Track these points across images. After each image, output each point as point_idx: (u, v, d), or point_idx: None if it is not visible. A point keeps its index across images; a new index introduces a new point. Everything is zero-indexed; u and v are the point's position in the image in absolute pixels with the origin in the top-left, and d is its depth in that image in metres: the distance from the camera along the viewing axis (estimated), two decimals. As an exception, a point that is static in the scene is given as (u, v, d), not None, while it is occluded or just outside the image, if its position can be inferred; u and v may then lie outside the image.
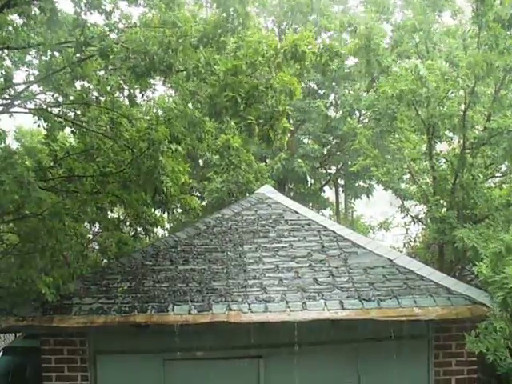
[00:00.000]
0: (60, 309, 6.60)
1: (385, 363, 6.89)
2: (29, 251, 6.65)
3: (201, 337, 6.60)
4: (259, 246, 7.90)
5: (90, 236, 10.41)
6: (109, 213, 8.28)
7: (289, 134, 7.99)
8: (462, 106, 8.88)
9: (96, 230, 10.32)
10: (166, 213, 8.52)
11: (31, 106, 7.17)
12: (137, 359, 6.78)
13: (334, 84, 15.42)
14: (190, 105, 7.56)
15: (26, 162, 6.41)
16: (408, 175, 10.32)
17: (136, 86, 7.36)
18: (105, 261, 10.09)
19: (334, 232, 8.21)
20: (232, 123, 7.42)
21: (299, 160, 14.16)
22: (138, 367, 6.81)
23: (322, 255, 7.65)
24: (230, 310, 6.48)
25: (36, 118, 7.03)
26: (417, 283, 7.07)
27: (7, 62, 7.07)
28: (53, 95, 7.13)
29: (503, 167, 10.04)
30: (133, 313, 6.54)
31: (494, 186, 10.02)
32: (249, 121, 6.70)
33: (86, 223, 8.38)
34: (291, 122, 10.09)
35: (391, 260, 7.52)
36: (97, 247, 10.71)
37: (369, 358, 6.89)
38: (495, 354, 5.83)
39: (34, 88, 7.31)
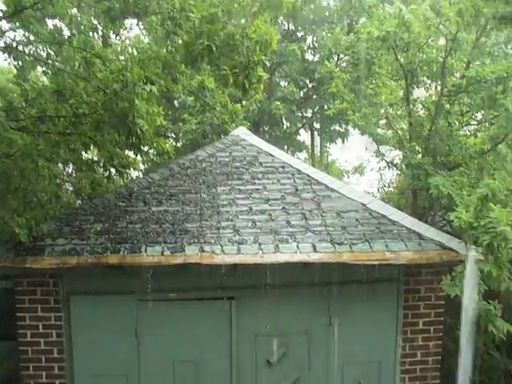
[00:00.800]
0: (33, 250, 6.55)
1: (355, 305, 7.01)
2: (1, 192, 6.54)
3: (173, 278, 6.62)
4: (233, 188, 7.88)
5: (64, 177, 10.29)
6: (82, 154, 8.16)
7: (266, 77, 7.86)
8: (443, 53, 8.82)
9: (69, 171, 10.21)
10: (139, 155, 8.42)
11: (0, 43, 6.97)
12: (110, 300, 6.80)
13: (313, 27, 15.22)
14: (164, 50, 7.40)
15: (-3, 101, 6.27)
16: (384, 120, 10.31)
17: (110, 27, 7.16)
18: (78, 202, 10.01)
19: (307, 175, 8.20)
20: (207, 67, 7.31)
21: (277, 103, 14.06)
22: (111, 308, 6.83)
23: (295, 198, 7.65)
24: (203, 251, 6.47)
25: (6, 55, 6.84)
26: (389, 228, 7.12)
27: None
28: (24, 33, 6.93)
29: (479, 115, 10.09)
30: (105, 254, 6.51)
31: (469, 134, 10.09)
32: (223, 71, 6.61)
33: (59, 164, 8.27)
34: (268, 64, 9.97)
35: (364, 204, 7.55)
36: (70, 188, 10.59)
37: (340, 301, 6.97)
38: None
39: (3, 25, 7.09)
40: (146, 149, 8.14)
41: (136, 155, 8.52)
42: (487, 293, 6.21)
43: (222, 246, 6.57)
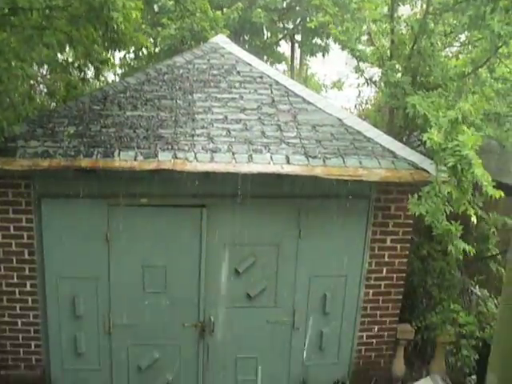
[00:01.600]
0: (4, 151, 6.41)
1: (325, 219, 7.07)
2: (-28, 92, 6.36)
3: (146, 184, 6.58)
4: (209, 96, 7.73)
5: (38, 78, 10.03)
6: (58, 55, 7.90)
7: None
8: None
9: (44, 72, 9.94)
10: (118, 51, 8.11)
11: None
12: (81, 204, 6.75)
13: None
14: None
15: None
16: (366, 37, 10.12)
17: None
18: (52, 104, 9.81)
19: (285, 87, 8.07)
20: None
21: (259, 10, 13.73)
22: (83, 212, 6.80)
23: (271, 109, 7.56)
24: (176, 158, 6.41)
25: None
26: (364, 144, 7.10)
27: None
28: None
29: (462, 37, 9.94)
30: (78, 157, 6.40)
31: (450, 55, 9.98)
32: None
33: (33, 65, 8.02)
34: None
35: (340, 119, 7.49)
36: (44, 90, 10.35)
37: (310, 214, 7.03)
38: (433, 216, 6.10)
39: None
40: (123, 46, 7.80)
41: (114, 50, 8.22)
42: (451, 213, 6.33)
43: (195, 153, 6.50)
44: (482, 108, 6.68)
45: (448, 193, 5.98)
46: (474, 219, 6.07)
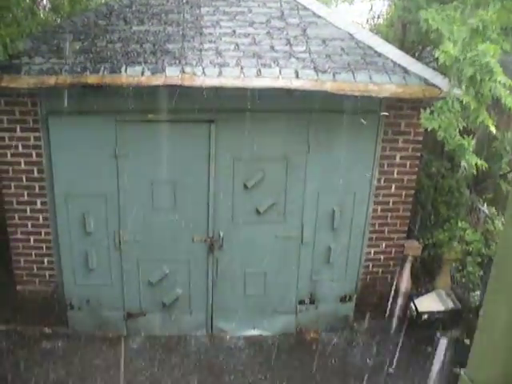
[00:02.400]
0: (9, 68, 6.32)
1: (335, 135, 7.01)
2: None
3: (153, 99, 6.48)
4: (217, 9, 7.57)
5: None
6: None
7: None
8: None
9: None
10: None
11: None
12: (89, 120, 6.72)
13: None
14: None
15: None
16: None
17: None
18: (57, 20, 9.61)
19: (294, 0, 7.85)
20: None
21: None
22: (91, 129, 6.77)
23: (281, 23, 7.38)
24: (184, 72, 6.30)
25: None
26: (374, 59, 6.95)
27: None
28: None
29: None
30: (85, 73, 6.30)
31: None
32: None
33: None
34: None
35: (351, 34, 7.30)
36: (48, 5, 10.14)
37: (319, 129, 6.96)
38: (446, 131, 6.04)
39: None
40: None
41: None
42: (464, 129, 6.26)
43: (203, 67, 6.39)
44: (503, 18, 6.50)
45: (464, 104, 5.88)
46: (492, 129, 6.00)
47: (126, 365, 7.19)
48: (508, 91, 5.72)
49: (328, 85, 6.45)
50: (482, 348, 1.33)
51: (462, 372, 1.37)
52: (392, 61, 6.98)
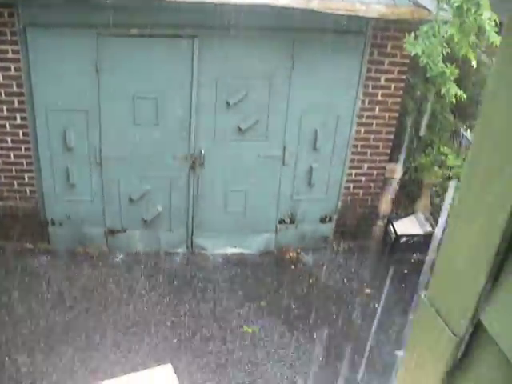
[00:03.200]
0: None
1: (320, 54, 6.90)
2: None
3: (136, 13, 6.34)
4: None
5: None
6: None
7: None
8: None
9: None
10: None
11: None
12: (69, 33, 6.52)
13: None
14: None
15: None
16: None
17: None
18: None
19: None
20: None
21: None
22: (71, 42, 6.59)
23: None
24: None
25: None
26: (363, -23, 6.80)
27: None
28: None
29: None
30: (65, -18, 6.13)
31: None
32: None
33: None
34: None
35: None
36: None
37: (304, 47, 6.83)
38: (429, 57, 5.97)
39: None
40: None
41: None
42: (448, 56, 6.20)
43: (187, -19, 6.20)
44: None
45: (450, 35, 5.80)
46: (474, 63, 5.95)
47: (107, 280, 7.29)
48: (493, 25, 5.63)
49: (315, 3, 6.28)
50: (443, 272, 1.32)
51: (422, 295, 1.37)
52: (382, -13, 6.81)
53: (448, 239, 1.29)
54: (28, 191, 7.51)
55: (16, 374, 5.98)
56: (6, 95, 6.87)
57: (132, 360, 6.27)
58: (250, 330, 6.72)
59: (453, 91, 6.26)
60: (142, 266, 7.58)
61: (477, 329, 1.20)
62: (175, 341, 6.58)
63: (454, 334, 1.23)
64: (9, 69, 6.74)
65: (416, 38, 5.96)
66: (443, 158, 8.11)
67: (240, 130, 7.20)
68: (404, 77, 7.37)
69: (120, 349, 6.41)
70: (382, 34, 7.00)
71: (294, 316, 7.01)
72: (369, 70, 7.19)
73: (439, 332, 1.27)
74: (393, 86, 7.32)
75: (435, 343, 1.30)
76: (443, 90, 6.37)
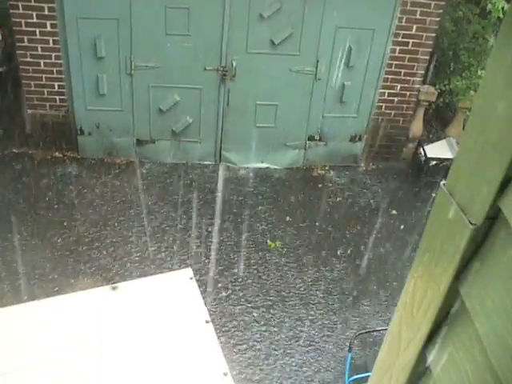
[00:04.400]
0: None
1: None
2: None
3: None
4: None
5: None
6: None
7: None
8: None
9: None
10: None
11: None
12: None
13: None
14: None
15: None
16: None
17: None
18: None
19: None
20: None
21: None
22: None
23: None
24: None
25: None
26: None
27: None
28: None
29: None
30: None
31: None
32: None
33: None
34: None
35: None
36: None
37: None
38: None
39: None
40: None
41: None
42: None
43: None
44: None
45: None
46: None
47: (135, 188, 7.35)
48: None
49: None
50: (463, 159, 1.26)
51: (441, 183, 1.31)
52: None
53: (470, 125, 1.24)
54: (58, 100, 7.50)
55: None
56: (35, 1, 6.78)
57: (154, 260, 6.40)
58: (272, 245, 6.76)
59: (500, 4, 6.02)
60: (170, 177, 7.61)
61: (495, 218, 1.15)
62: (196, 248, 6.67)
63: (471, 222, 1.19)
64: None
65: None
66: (480, 81, 7.89)
67: (273, 43, 7.04)
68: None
69: (144, 250, 6.52)
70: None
71: (317, 233, 7.02)
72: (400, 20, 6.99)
73: (457, 221, 1.24)
74: (433, 4, 7.06)
75: (452, 233, 1.27)
76: (489, 6, 6.13)
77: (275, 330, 5.75)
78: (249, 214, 7.18)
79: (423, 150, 7.97)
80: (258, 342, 5.62)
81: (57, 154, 7.75)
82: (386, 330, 1.70)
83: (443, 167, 7.91)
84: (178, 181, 7.58)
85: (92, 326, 2.79)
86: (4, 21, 8.05)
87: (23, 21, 6.91)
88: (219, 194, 7.44)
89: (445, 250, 1.31)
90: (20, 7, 6.80)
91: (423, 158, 7.93)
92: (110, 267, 6.26)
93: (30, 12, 6.84)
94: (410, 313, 1.46)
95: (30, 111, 7.55)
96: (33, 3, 6.78)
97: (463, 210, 1.22)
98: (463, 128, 8.27)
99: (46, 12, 6.86)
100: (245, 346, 5.57)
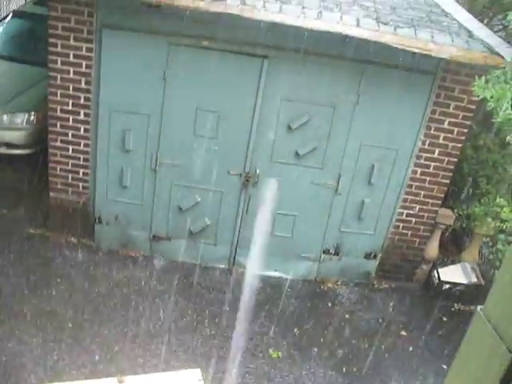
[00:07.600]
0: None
1: (386, 90, 6.89)
2: None
3: (209, 26, 6.43)
4: None
5: None
6: None
7: None
8: None
9: None
10: None
11: None
12: (142, 39, 6.68)
13: None
14: None
15: None
16: None
17: None
18: None
19: None
20: None
21: None
22: (143, 47, 6.74)
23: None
24: (244, 4, 6.18)
25: None
26: (440, 18, 6.74)
27: None
28: None
29: None
30: (146, -11, 6.24)
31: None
32: None
33: None
34: None
35: (420, -11, 7.10)
36: None
37: (372, 81, 6.83)
38: (497, 102, 5.86)
39: None
40: None
41: None
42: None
43: (264, 1, 6.26)
44: None
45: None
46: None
47: (146, 283, 7.32)
48: None
49: (387, 37, 6.29)
50: (502, 288, 1.27)
51: (478, 308, 1.32)
52: (458, 22, 6.75)
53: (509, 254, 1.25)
54: (81, 186, 7.63)
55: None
56: (73, 90, 7.05)
57: (158, 359, 6.27)
58: (275, 355, 6.65)
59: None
60: (181, 275, 7.59)
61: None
62: (202, 350, 6.57)
63: (509, 350, 1.18)
64: (80, 65, 6.92)
65: (486, 81, 5.87)
66: (498, 209, 7.94)
67: (297, 154, 7.20)
68: (468, 123, 7.27)
69: (146, 351, 6.41)
70: (451, 77, 6.94)
71: (324, 350, 6.90)
72: (433, 112, 7.12)
73: (494, 348, 1.23)
74: (456, 130, 7.22)
75: (488, 359, 1.25)
76: (508, 138, 6.24)
77: None
78: (254, 321, 7.10)
79: (437, 272, 7.94)
80: None
81: (72, 239, 7.80)
82: None
83: (456, 292, 7.86)
84: (188, 281, 7.55)
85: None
86: (40, 105, 8.34)
87: (59, 107, 7.15)
88: (228, 298, 7.37)
89: (480, 374, 1.29)
90: (58, 94, 7.07)
91: (436, 281, 7.89)
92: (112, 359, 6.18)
93: (66, 100, 7.09)
94: None
95: (52, 194, 7.66)
96: (70, 92, 7.05)
97: (501, 337, 1.21)
98: (479, 254, 8.26)
99: (82, 101, 7.11)
100: None
